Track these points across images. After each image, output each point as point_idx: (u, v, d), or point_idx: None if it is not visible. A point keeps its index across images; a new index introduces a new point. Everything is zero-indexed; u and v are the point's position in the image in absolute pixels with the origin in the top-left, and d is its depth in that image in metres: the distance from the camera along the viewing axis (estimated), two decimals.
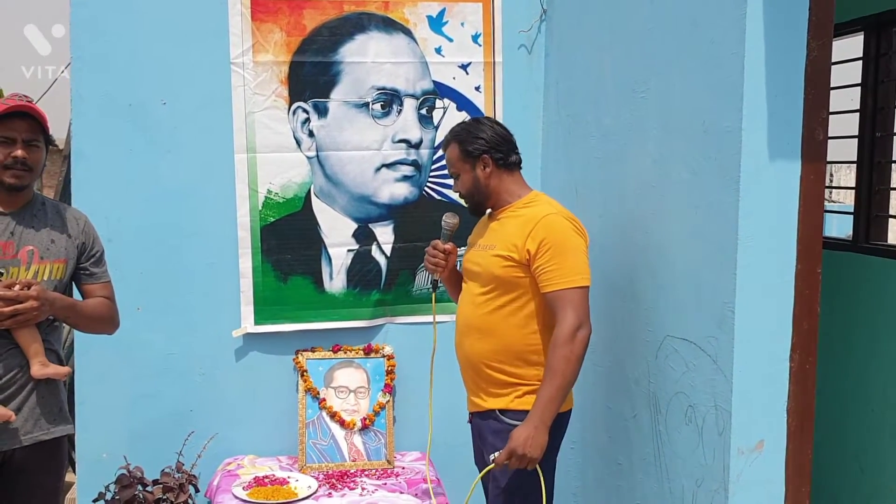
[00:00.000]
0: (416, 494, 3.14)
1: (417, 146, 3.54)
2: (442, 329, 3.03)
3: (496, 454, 2.43)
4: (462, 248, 2.82)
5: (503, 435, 2.49)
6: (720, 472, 2.26)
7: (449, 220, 2.78)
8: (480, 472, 2.80)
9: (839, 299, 3.66)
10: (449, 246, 2.77)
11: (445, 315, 3.31)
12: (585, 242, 2.54)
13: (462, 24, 3.55)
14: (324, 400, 3.45)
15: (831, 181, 9.29)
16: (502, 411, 2.54)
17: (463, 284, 2.73)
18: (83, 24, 3.25)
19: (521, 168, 2.69)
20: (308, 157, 3.46)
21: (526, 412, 2.46)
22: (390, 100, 3.51)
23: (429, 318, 3.51)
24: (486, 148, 2.60)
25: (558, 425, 2.56)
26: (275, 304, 3.46)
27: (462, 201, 2.77)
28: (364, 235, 3.54)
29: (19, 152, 2.41)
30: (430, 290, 2.89)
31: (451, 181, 3.54)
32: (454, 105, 3.57)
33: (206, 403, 3.42)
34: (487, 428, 2.59)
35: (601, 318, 2.90)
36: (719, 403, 2.27)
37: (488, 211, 2.70)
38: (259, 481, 3.17)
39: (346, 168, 3.49)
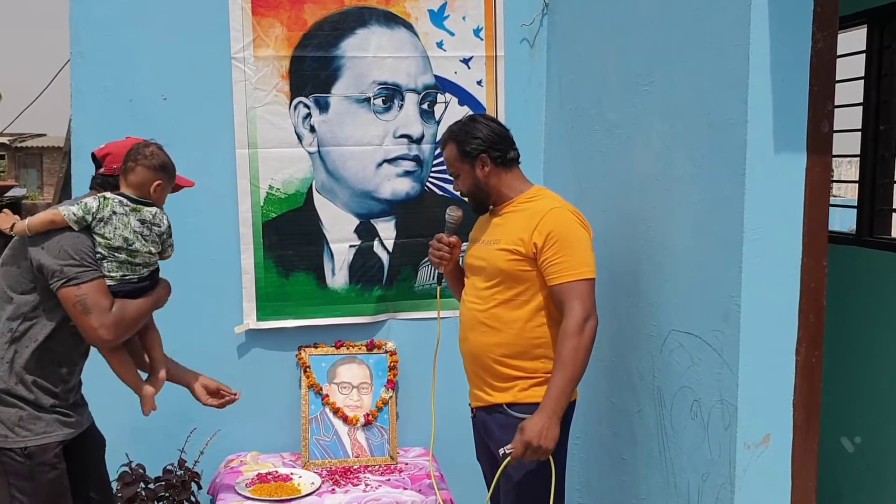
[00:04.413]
0: (420, 490, 3.13)
1: (419, 141, 3.53)
2: (444, 325, 3.02)
3: (507, 448, 2.40)
4: (464, 243, 2.81)
5: (510, 429, 2.48)
6: (726, 466, 2.25)
7: (452, 213, 2.76)
8: (483, 466, 2.79)
9: (843, 293, 3.65)
10: (454, 239, 2.75)
11: (448, 311, 3.30)
12: (590, 236, 2.54)
13: (463, 18, 3.54)
14: (327, 396, 3.44)
15: (832, 175, 9.25)
16: (509, 405, 2.53)
17: (465, 280, 2.72)
18: (82, 18, 3.23)
19: (519, 163, 2.68)
20: (309, 153, 3.45)
21: (532, 405, 2.46)
22: (391, 95, 3.49)
23: (431, 314, 3.50)
24: (483, 147, 2.59)
25: (566, 416, 2.56)
26: (277, 301, 3.45)
27: (464, 199, 2.76)
28: (366, 231, 3.53)
29: None
30: (436, 284, 2.87)
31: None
32: (456, 100, 3.55)
33: None
34: (494, 422, 2.58)
35: (605, 313, 2.88)
36: (725, 397, 2.26)
37: (489, 207, 2.69)
38: (262, 478, 3.16)
39: (347, 163, 3.48)
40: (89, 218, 2.38)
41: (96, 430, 2.75)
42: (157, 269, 2.58)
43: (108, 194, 2.43)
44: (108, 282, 2.42)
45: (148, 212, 2.46)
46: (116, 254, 2.42)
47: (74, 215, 2.36)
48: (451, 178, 3.56)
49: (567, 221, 2.50)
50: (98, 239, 2.40)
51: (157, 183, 2.46)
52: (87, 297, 2.36)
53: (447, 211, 2.77)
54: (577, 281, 2.44)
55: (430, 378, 2.98)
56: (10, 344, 2.43)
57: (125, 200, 2.43)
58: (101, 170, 2.53)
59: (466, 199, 2.71)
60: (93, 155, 2.60)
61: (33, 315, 2.43)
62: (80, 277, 2.36)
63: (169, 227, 2.53)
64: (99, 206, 2.39)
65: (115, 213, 2.40)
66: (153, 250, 2.49)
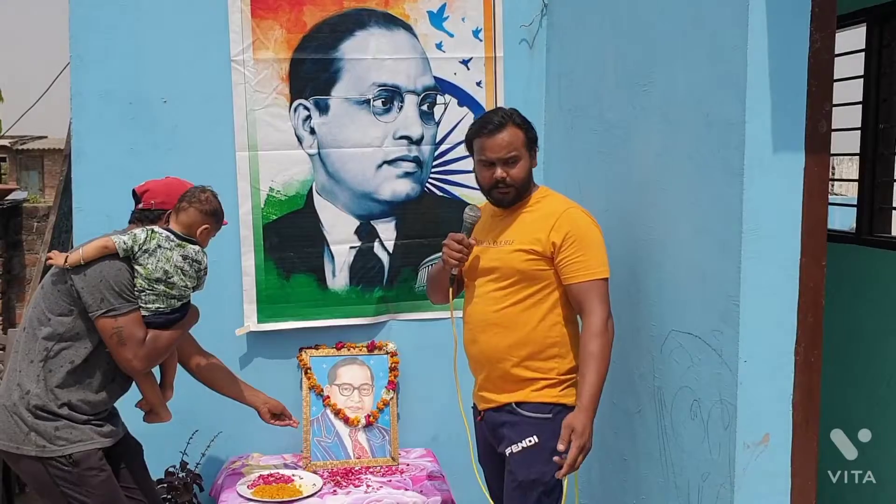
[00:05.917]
0: (421, 491, 3.13)
1: (419, 142, 3.53)
2: (443, 326, 3.02)
3: (560, 458, 2.34)
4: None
5: (519, 427, 2.49)
6: (726, 466, 2.25)
7: (472, 213, 2.64)
8: (486, 470, 2.76)
9: (843, 292, 3.65)
10: (473, 241, 2.63)
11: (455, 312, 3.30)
12: (602, 236, 2.55)
13: (463, 20, 3.54)
14: (328, 397, 3.44)
15: (833, 174, 9.26)
16: (518, 403, 2.53)
17: (472, 283, 2.66)
18: (82, 21, 3.24)
19: None
20: (310, 155, 3.46)
21: (542, 404, 2.48)
22: (391, 96, 3.50)
23: (432, 315, 3.51)
24: (537, 140, 2.64)
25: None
26: (278, 303, 3.46)
27: (480, 190, 2.60)
28: (366, 232, 3.54)
29: None
30: (449, 285, 2.67)
31: (453, 177, 3.55)
32: (455, 101, 3.56)
33: (210, 402, 3.39)
34: (503, 421, 2.56)
35: None
36: (724, 397, 2.26)
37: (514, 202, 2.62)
38: (264, 479, 3.16)
39: (347, 165, 3.48)
40: (136, 248, 2.52)
41: (132, 437, 2.83)
42: (189, 300, 2.68)
43: (156, 228, 2.58)
44: (143, 312, 2.54)
45: (192, 249, 2.60)
46: (155, 285, 2.54)
47: (125, 244, 2.50)
48: (452, 180, 3.56)
49: (584, 222, 2.53)
50: (139, 269, 2.53)
51: (205, 227, 2.63)
52: (124, 329, 2.50)
53: (466, 211, 2.64)
54: (596, 280, 2.47)
55: (431, 379, 2.99)
56: (44, 363, 2.52)
57: (171, 236, 2.57)
58: (140, 205, 2.68)
59: (508, 190, 2.55)
60: (133, 191, 2.73)
61: (69, 337, 2.53)
62: (119, 309, 2.49)
63: (207, 266, 2.67)
64: (146, 237, 2.53)
65: (160, 246, 2.54)
66: (189, 284, 2.62)
